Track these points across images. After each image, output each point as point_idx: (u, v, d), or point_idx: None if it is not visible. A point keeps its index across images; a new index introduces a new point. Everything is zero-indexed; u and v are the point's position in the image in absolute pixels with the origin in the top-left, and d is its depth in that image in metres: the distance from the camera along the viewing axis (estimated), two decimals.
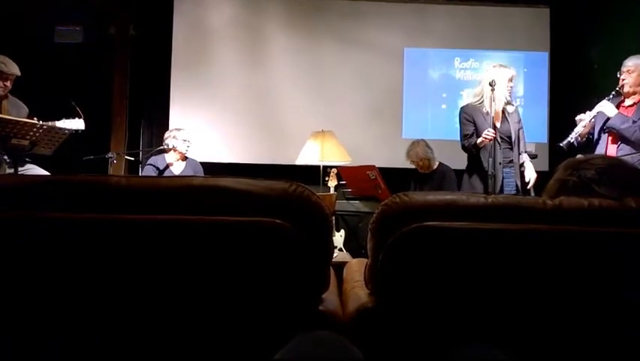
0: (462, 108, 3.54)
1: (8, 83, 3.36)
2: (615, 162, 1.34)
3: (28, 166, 3.33)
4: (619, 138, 3.20)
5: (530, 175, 3.46)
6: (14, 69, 3.34)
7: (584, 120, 3.30)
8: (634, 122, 3.14)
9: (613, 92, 3.31)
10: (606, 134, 3.28)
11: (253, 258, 1.10)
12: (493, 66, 3.45)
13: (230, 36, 5.32)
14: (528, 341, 1.13)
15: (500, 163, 3.30)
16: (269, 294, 1.12)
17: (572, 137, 3.29)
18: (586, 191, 1.23)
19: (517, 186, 3.41)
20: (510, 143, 3.40)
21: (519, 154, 3.47)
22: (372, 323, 1.18)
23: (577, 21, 5.18)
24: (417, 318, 1.16)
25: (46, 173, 3.36)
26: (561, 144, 3.31)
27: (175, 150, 4.22)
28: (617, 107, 3.30)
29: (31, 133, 3.03)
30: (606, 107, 3.25)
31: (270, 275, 1.11)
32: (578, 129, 3.31)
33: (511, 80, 3.41)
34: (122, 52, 5.14)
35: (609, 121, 3.22)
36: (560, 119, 5.20)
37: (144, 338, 1.10)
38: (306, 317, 1.14)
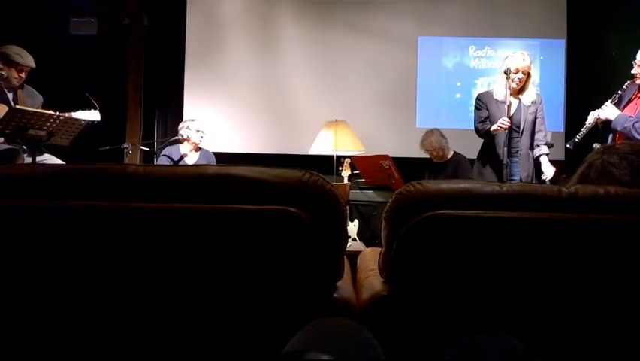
0: (478, 95, 3.60)
1: (23, 75, 3.40)
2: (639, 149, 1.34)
3: (46, 156, 3.38)
4: (625, 136, 3.18)
5: (547, 171, 3.38)
6: (29, 61, 3.39)
7: (589, 122, 3.24)
8: (635, 122, 3.12)
9: (619, 91, 3.23)
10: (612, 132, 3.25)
11: (268, 246, 1.11)
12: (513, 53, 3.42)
13: (243, 26, 5.32)
14: (543, 330, 1.13)
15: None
16: (284, 281, 1.13)
17: (578, 137, 3.23)
18: (606, 174, 1.25)
19: (520, 177, 3.35)
20: (518, 133, 3.36)
21: (532, 145, 3.42)
22: (387, 311, 1.19)
23: (594, 8, 5.08)
24: (431, 306, 1.16)
25: (61, 162, 3.41)
26: (568, 145, 3.26)
27: (189, 141, 4.25)
28: (632, 99, 3.25)
29: (49, 124, 3.08)
30: (608, 112, 3.18)
31: (284, 263, 1.12)
32: (584, 130, 3.26)
33: (517, 71, 3.30)
34: (137, 43, 5.17)
35: (612, 123, 3.18)
36: (577, 108, 5.13)
37: (163, 323, 1.12)
38: (321, 304, 1.15)
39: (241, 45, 5.31)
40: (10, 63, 3.33)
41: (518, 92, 3.38)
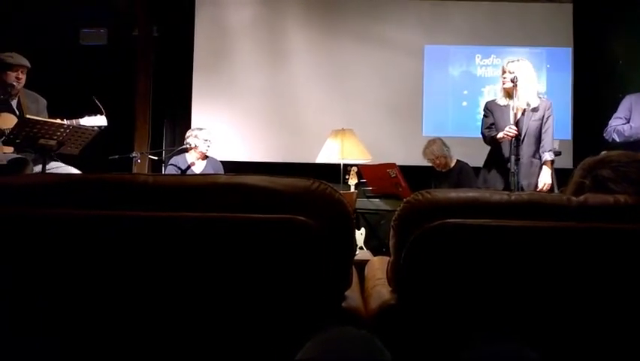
0: (486, 103, 3.63)
1: (20, 75, 3.37)
2: (632, 158, 1.27)
3: (54, 164, 3.39)
4: None
5: (543, 180, 3.32)
6: (22, 60, 3.37)
7: None
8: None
9: None
10: None
11: (277, 255, 1.11)
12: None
13: (250, 36, 5.36)
14: (553, 339, 1.12)
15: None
16: (293, 290, 1.13)
17: None
18: (603, 191, 1.20)
19: (521, 185, 3.26)
20: (518, 140, 3.28)
21: (536, 153, 3.36)
22: (395, 320, 1.19)
23: (600, 16, 5.08)
24: (440, 316, 1.16)
25: (73, 169, 3.43)
26: None
27: (196, 149, 4.27)
28: None
29: (59, 133, 3.10)
30: None
31: (293, 272, 1.12)
32: None
33: (503, 71, 3.33)
34: (146, 53, 5.22)
35: None
36: (584, 116, 5.12)
37: (174, 332, 1.13)
38: (330, 313, 1.15)
39: (249, 54, 5.35)
40: (4, 67, 3.34)
41: (508, 95, 3.32)
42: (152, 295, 1.12)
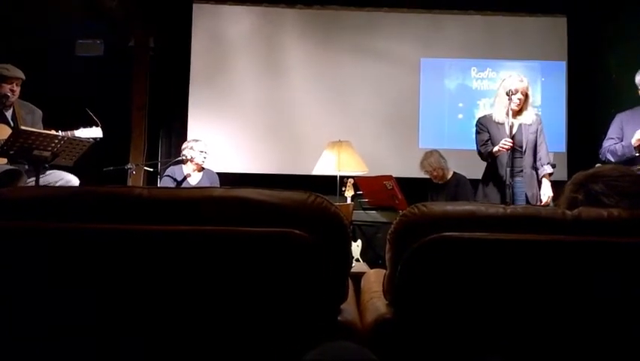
0: (478, 119, 3.63)
1: (15, 87, 3.39)
2: (623, 172, 1.30)
3: (49, 172, 3.38)
4: None
5: (545, 193, 3.40)
6: (17, 73, 3.39)
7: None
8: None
9: None
10: None
11: (272, 268, 1.11)
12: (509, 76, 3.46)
13: (247, 48, 5.38)
14: (550, 354, 1.12)
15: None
16: (288, 304, 1.13)
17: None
18: (596, 205, 1.21)
19: (526, 196, 3.37)
20: (521, 152, 3.38)
21: (534, 165, 3.43)
22: (391, 334, 1.18)
23: (594, 30, 5.14)
24: (436, 329, 1.15)
25: (73, 177, 3.41)
26: None
27: (192, 161, 4.27)
28: None
29: (53, 145, 3.09)
30: None
31: (289, 286, 1.12)
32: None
33: (516, 92, 3.30)
34: (142, 64, 5.23)
35: None
36: (578, 129, 5.16)
37: (170, 346, 1.12)
38: (325, 327, 1.15)
39: (245, 66, 5.36)
40: None
41: (518, 113, 3.37)
42: (148, 308, 1.11)
